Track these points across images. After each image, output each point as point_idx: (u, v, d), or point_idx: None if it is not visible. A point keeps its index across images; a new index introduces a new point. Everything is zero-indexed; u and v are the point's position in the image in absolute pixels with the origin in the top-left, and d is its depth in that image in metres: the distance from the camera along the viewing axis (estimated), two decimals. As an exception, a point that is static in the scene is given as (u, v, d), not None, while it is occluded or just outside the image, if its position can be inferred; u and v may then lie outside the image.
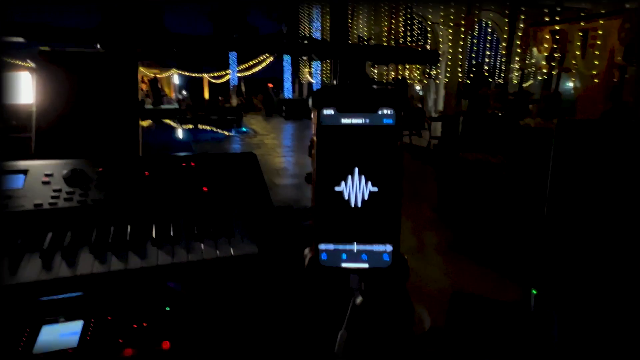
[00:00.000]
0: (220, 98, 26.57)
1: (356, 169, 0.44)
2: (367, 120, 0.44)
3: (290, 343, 0.78)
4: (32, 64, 1.18)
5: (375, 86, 0.45)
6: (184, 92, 27.64)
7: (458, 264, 4.01)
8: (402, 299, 0.57)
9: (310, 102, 0.45)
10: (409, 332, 0.53)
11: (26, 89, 1.19)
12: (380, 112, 0.44)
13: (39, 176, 0.99)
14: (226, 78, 27.03)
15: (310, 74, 20.86)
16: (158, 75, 23.66)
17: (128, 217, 0.94)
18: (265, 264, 0.90)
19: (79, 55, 1.22)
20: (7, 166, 1.00)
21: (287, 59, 22.96)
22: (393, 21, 13.61)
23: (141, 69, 27.06)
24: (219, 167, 1.11)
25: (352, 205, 0.44)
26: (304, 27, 17.82)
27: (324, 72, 17.80)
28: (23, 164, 1.01)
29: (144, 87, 24.06)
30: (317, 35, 17.80)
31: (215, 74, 28.35)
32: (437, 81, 12.59)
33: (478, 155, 4.91)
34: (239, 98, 26.37)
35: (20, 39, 1.08)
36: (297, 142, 12.86)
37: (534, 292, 1.03)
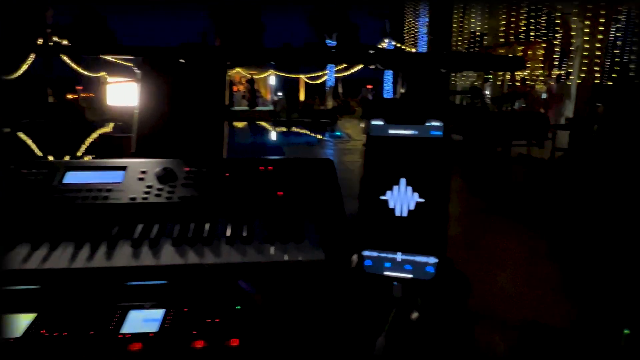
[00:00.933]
0: (315, 100, 27.52)
1: (403, 180, 0.49)
2: (415, 132, 0.48)
3: (335, 346, 0.83)
4: (137, 72, 1.42)
5: (452, 95, 0.49)
6: (279, 94, 29.19)
7: None
8: (459, 319, 0.58)
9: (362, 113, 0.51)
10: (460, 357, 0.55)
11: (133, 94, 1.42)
12: (428, 124, 0.48)
13: (136, 173, 1.18)
14: (323, 79, 27.95)
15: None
16: (255, 76, 25.32)
17: (207, 215, 1.09)
18: (329, 271, 0.97)
19: (175, 62, 1.43)
20: (111, 162, 1.22)
21: (388, 58, 22.94)
22: (513, 13, 12.85)
23: (239, 69, 29.23)
24: (296, 172, 1.21)
25: (397, 214, 0.49)
26: (409, 24, 17.68)
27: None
28: (123, 161, 1.22)
29: (241, 88, 25.96)
30: (424, 30, 17.55)
31: (312, 75, 29.46)
32: (569, 82, 11.54)
33: None
34: (335, 100, 27.03)
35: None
36: (394, 149, 12.74)
37: (627, 332, 0.94)
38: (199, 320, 0.90)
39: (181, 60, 1.42)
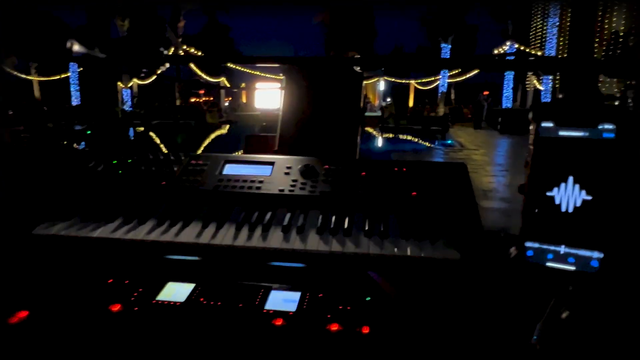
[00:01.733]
0: (425, 106, 26.97)
1: (570, 178, 0.54)
2: (586, 134, 0.53)
3: (486, 334, 0.88)
4: (282, 76, 1.61)
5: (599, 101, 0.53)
6: (388, 99, 29.18)
7: None
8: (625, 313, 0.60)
9: (530, 115, 0.57)
10: None
11: (277, 97, 1.61)
12: (600, 127, 0.53)
13: (282, 168, 1.35)
14: (435, 84, 27.31)
15: (540, 80, 19.19)
16: (365, 82, 25.65)
17: (345, 209, 1.21)
18: (465, 271, 1.02)
19: (316, 64, 1.59)
20: (262, 158, 1.40)
21: (509, 63, 21.67)
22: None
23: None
24: (430, 174, 1.28)
25: (563, 210, 0.54)
26: (536, 24, 16.52)
27: (557, 78, 16.11)
28: (271, 157, 1.40)
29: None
30: (554, 31, 16.27)
31: (423, 80, 28.94)
32: None
33: None
34: (447, 107, 26.22)
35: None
36: (512, 161, 12.05)
37: None
38: (332, 306, 1.01)
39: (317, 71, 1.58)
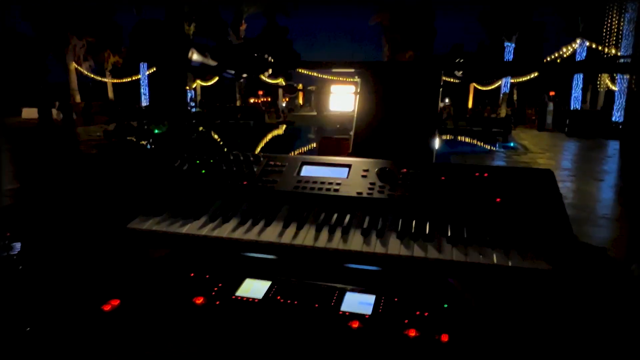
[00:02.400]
0: (486, 107, 26.00)
1: None
2: None
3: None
4: (356, 79, 1.61)
5: None
6: (446, 100, 28.42)
7: None
8: None
9: None
10: None
11: (350, 99, 1.62)
12: None
13: (359, 171, 1.35)
14: (497, 84, 26.25)
15: (614, 81, 17.91)
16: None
17: (427, 214, 1.19)
18: (557, 283, 0.97)
19: (394, 67, 1.58)
20: (338, 160, 1.41)
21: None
22: None
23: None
24: (514, 180, 1.23)
25: None
26: (613, 20, 15.39)
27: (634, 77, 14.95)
28: (347, 159, 1.40)
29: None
30: (630, 27, 15.12)
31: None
32: None
33: None
34: (509, 108, 25.13)
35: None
36: (580, 165, 11.34)
37: None
38: (409, 311, 0.99)
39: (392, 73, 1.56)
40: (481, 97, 29.60)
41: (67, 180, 1.54)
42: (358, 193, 1.27)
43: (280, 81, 27.79)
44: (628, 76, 14.89)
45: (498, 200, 1.19)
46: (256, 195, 1.33)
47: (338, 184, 1.32)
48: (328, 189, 1.30)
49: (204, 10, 23.08)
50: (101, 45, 29.72)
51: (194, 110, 24.51)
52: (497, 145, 14.84)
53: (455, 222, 1.16)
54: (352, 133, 1.58)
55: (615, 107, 16.85)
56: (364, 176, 1.33)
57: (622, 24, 15.24)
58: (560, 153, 13.42)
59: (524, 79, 24.31)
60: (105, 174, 1.52)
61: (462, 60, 1.52)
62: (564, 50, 21.93)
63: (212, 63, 1.58)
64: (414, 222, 1.17)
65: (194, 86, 26.21)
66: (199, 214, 1.26)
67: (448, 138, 16.94)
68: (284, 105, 26.88)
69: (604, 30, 15.64)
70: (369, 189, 1.28)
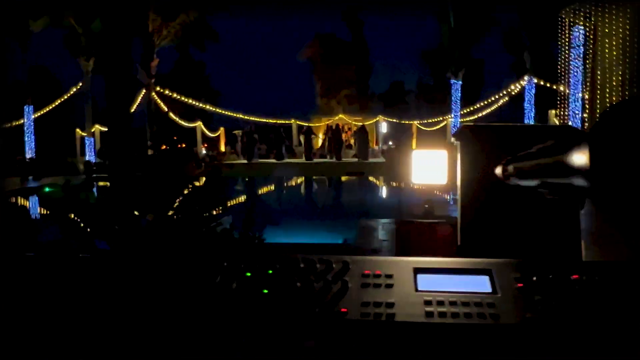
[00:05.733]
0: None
1: None
2: None
3: None
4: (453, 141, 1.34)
5: None
6: (390, 143, 29.39)
7: None
8: None
9: None
10: None
11: (441, 168, 1.35)
12: None
13: (508, 279, 1.05)
14: (442, 125, 27.65)
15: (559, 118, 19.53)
16: (364, 123, 25.80)
17: None
18: None
19: (509, 130, 1.34)
20: (466, 264, 1.11)
21: None
22: None
23: (343, 116, 29.92)
24: None
25: None
26: (563, 55, 16.90)
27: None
28: (479, 262, 1.11)
29: (349, 134, 26.61)
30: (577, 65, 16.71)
31: (428, 120, 29.39)
32: None
33: None
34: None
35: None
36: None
37: None
38: None
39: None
40: (426, 140, 31.01)
41: None
42: (520, 316, 0.97)
43: (199, 124, 27.29)
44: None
45: None
46: (359, 333, 0.99)
47: (490, 304, 1.01)
48: (469, 315, 0.98)
49: (105, 42, 22.39)
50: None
51: (93, 161, 23.18)
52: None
53: None
54: (458, 217, 1.29)
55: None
56: (519, 289, 1.04)
57: (569, 59, 16.78)
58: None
59: (474, 117, 25.88)
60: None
61: None
62: (512, 87, 23.81)
63: None
64: None
65: (92, 130, 24.95)
66: None
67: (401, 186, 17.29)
68: (204, 152, 26.23)
69: (558, 68, 17.14)
70: (532, 308, 0.99)
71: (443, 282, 1.07)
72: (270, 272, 1.12)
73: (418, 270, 1.10)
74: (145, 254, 1.26)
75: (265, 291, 1.07)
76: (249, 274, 1.12)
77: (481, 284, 1.07)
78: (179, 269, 1.13)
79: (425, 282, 1.08)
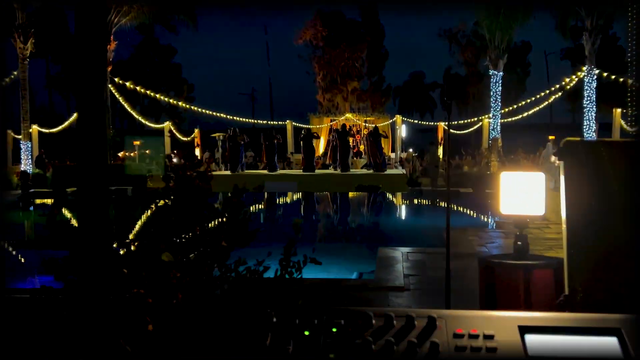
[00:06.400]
0: (465, 157, 27.30)
1: None
2: None
3: None
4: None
5: None
6: (410, 149, 29.43)
7: None
8: None
9: None
10: None
11: (537, 195, 1.35)
12: None
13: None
14: (475, 127, 27.77)
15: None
16: (379, 124, 25.81)
17: None
18: None
19: (622, 146, 1.34)
20: (590, 321, 1.11)
21: None
22: None
23: (350, 115, 29.98)
24: None
25: None
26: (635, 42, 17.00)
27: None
28: (613, 317, 1.11)
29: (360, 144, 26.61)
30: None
31: (459, 122, 29.49)
32: None
33: None
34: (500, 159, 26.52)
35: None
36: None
37: None
38: None
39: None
40: (457, 145, 30.99)
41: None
42: None
43: (168, 125, 27.29)
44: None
45: None
46: None
47: None
48: None
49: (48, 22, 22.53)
50: None
51: (28, 172, 22.84)
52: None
53: None
54: (565, 258, 1.29)
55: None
56: None
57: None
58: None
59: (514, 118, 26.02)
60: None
61: None
62: (566, 80, 23.97)
63: None
64: None
65: (29, 132, 24.86)
66: None
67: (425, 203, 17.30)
68: (174, 160, 26.13)
69: (628, 56, 17.25)
70: None
71: (559, 345, 1.07)
72: (335, 330, 1.11)
73: (525, 330, 1.09)
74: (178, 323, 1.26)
75: (332, 356, 1.07)
76: (307, 332, 1.11)
77: (609, 347, 1.06)
78: (220, 332, 1.13)
79: (537, 345, 1.07)
